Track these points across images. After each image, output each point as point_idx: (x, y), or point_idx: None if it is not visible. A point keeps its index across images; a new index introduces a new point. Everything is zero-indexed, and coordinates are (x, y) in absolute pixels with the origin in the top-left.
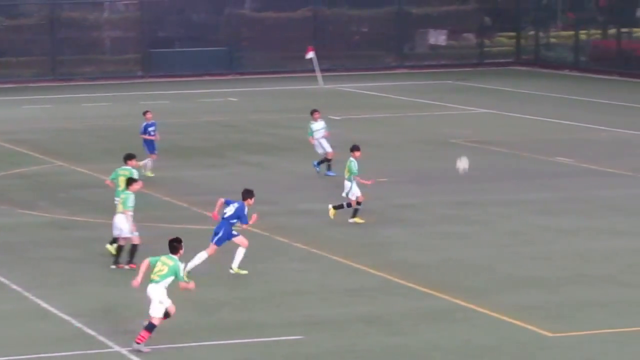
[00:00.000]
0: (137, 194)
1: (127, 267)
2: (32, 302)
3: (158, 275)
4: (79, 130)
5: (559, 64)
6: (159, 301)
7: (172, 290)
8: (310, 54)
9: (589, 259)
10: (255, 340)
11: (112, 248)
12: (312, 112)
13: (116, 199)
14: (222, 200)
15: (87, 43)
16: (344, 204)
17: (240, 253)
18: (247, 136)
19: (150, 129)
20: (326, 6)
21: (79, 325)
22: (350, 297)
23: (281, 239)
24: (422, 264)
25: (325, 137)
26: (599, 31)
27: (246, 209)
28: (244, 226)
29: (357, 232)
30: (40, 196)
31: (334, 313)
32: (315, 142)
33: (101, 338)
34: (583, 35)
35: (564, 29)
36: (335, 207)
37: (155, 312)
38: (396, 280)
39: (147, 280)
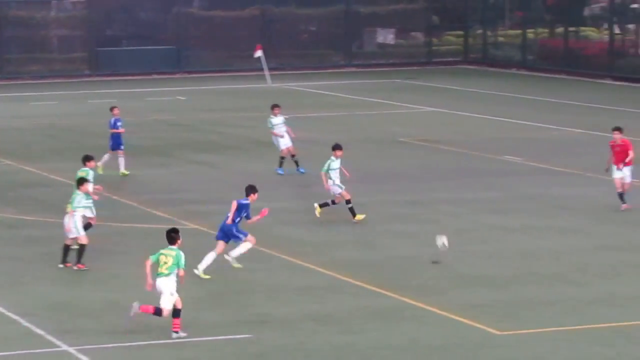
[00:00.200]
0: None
1: (75, 267)
2: None
3: (166, 268)
4: (27, 129)
5: (506, 62)
6: (170, 293)
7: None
8: (259, 53)
9: (538, 257)
10: (204, 339)
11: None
12: (273, 107)
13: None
14: (235, 203)
15: (35, 42)
16: (329, 201)
17: (244, 247)
18: (195, 135)
19: (118, 124)
20: (274, 5)
21: (27, 324)
22: (299, 296)
23: None
24: (371, 263)
25: (287, 132)
26: (547, 30)
27: (250, 205)
28: (249, 222)
29: (306, 232)
30: None
31: (283, 312)
32: (276, 137)
33: (50, 337)
34: (531, 34)
35: (512, 28)
36: (320, 205)
37: (166, 304)
38: (345, 279)
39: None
